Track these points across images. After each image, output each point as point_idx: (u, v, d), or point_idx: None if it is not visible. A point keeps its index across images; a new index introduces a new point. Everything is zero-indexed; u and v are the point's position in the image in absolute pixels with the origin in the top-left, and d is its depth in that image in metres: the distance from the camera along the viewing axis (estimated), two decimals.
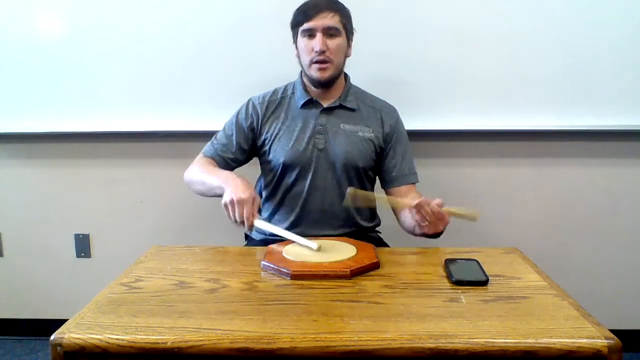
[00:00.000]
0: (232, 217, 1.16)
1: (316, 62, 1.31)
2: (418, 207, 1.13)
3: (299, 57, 1.39)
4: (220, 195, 1.20)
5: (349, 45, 1.37)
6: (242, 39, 1.77)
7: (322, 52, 1.30)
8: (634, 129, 1.77)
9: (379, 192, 1.44)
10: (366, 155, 1.38)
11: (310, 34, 1.31)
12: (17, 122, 1.87)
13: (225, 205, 1.16)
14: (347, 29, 1.35)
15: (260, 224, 1.17)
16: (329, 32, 1.31)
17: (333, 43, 1.31)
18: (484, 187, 1.89)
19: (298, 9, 1.35)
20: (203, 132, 1.60)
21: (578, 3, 1.69)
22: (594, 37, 1.70)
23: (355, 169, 1.38)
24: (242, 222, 1.14)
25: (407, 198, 1.34)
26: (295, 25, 1.35)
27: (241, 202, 1.13)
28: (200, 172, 1.35)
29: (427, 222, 1.15)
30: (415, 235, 1.26)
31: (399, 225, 1.37)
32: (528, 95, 1.75)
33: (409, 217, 1.25)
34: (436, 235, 1.19)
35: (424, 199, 1.13)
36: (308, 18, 1.31)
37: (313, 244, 1.11)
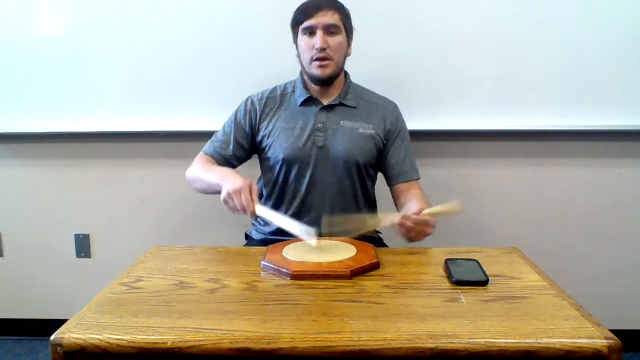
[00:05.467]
0: (232, 209, 1.16)
1: (317, 59, 1.32)
2: (401, 224, 1.12)
3: (299, 56, 1.39)
4: (220, 192, 1.20)
5: (349, 44, 1.38)
6: (242, 39, 1.77)
7: (322, 49, 1.30)
8: (634, 129, 1.77)
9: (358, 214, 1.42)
10: (367, 152, 1.38)
11: (311, 31, 1.32)
12: (17, 122, 1.87)
13: (224, 200, 1.16)
14: (347, 27, 1.36)
15: (262, 210, 1.16)
16: (330, 30, 1.31)
17: (333, 41, 1.32)
18: (484, 187, 1.89)
19: (298, 8, 1.35)
20: (203, 132, 1.60)
21: (578, 3, 1.69)
22: (594, 37, 1.70)
23: (356, 166, 1.38)
24: (244, 210, 1.14)
25: (409, 194, 1.36)
26: (296, 24, 1.36)
27: (237, 191, 1.14)
28: (200, 171, 1.36)
29: (412, 234, 1.14)
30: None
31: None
32: (528, 95, 1.75)
33: (411, 209, 1.22)
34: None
35: (404, 215, 1.12)
36: (308, 16, 1.31)
37: (313, 240, 1.10)
